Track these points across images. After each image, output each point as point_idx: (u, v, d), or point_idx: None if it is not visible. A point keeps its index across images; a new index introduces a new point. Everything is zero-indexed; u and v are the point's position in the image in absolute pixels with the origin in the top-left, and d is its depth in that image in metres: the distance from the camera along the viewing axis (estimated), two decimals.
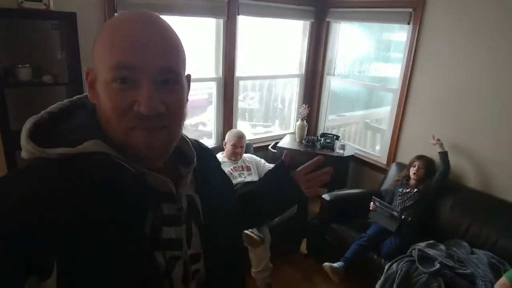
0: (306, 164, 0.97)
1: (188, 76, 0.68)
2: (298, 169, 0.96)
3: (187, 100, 0.67)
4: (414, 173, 2.66)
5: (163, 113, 0.60)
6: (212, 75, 3.17)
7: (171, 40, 0.61)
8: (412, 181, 2.70)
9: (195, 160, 0.74)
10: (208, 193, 0.77)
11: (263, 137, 3.74)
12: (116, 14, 2.43)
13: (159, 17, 0.62)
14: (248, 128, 4.01)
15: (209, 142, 3.40)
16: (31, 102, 2.16)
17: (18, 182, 0.55)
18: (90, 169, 0.57)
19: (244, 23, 3.17)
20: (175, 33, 0.63)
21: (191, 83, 0.72)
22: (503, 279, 1.94)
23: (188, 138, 0.78)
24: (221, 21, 3.01)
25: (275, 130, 4.01)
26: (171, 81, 0.61)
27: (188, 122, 4.21)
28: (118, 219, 0.58)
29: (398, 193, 2.71)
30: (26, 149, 0.59)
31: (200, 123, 3.97)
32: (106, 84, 0.59)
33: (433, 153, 2.82)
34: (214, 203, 0.77)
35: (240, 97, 4.03)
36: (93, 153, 0.59)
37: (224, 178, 0.91)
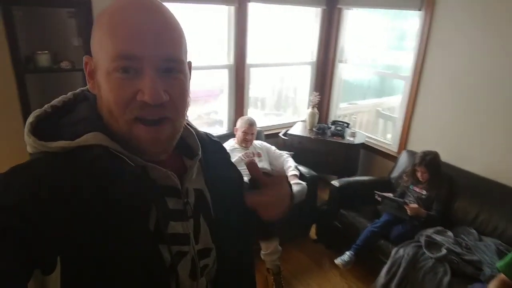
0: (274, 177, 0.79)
1: (189, 63, 0.66)
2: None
3: (189, 88, 0.66)
4: (421, 177, 2.61)
5: (166, 101, 0.59)
6: (224, 62, 3.21)
7: (173, 28, 0.60)
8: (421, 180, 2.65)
9: (200, 152, 0.72)
10: (219, 187, 0.75)
11: (274, 124, 3.77)
12: None
13: (161, 3, 0.60)
14: (261, 117, 4.04)
15: (221, 130, 3.45)
16: (51, 87, 2.25)
17: (19, 177, 0.54)
18: (89, 162, 0.57)
19: (255, 10, 3.18)
20: (177, 20, 0.62)
21: (193, 70, 0.70)
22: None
23: (194, 130, 0.76)
24: (232, 8, 3.03)
25: (287, 119, 4.03)
26: (174, 69, 0.60)
27: (201, 111, 4.28)
28: (120, 213, 0.56)
29: (410, 190, 2.70)
30: (28, 143, 0.59)
31: (213, 111, 4.03)
32: (107, 74, 0.57)
33: (443, 141, 2.82)
34: (224, 197, 0.74)
35: (253, 86, 4.08)
36: (93, 146, 0.58)
37: (234, 171, 0.87)
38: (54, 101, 0.66)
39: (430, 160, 2.54)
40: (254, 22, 3.20)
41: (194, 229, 0.69)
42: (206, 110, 4.29)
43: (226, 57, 3.20)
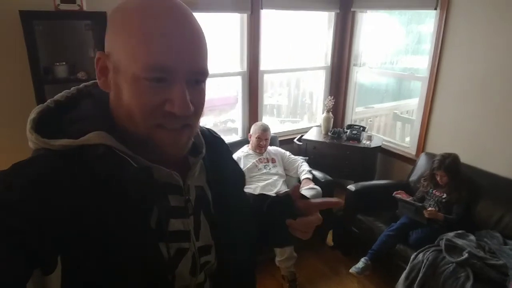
0: (321, 201, 0.89)
1: None
2: (311, 202, 0.84)
3: None
4: (440, 180, 2.53)
5: (192, 112, 0.59)
6: (237, 69, 3.24)
7: (203, 39, 0.61)
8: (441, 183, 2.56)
9: (204, 150, 0.73)
10: (220, 184, 0.75)
11: (289, 130, 3.75)
12: None
13: (189, 11, 0.60)
14: (277, 124, 4.04)
15: (235, 137, 3.47)
16: None
17: (21, 175, 0.53)
18: (92, 161, 0.56)
19: (268, 16, 3.21)
20: (202, 29, 0.62)
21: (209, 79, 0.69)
22: None
23: (199, 127, 0.76)
24: (245, 15, 3.07)
25: (304, 125, 4.00)
26: (201, 81, 0.61)
27: (218, 119, 4.32)
28: (121, 213, 0.56)
29: (429, 194, 2.62)
30: (30, 139, 0.59)
31: (229, 120, 4.06)
32: (135, 79, 0.56)
33: (463, 142, 2.74)
34: (226, 194, 0.75)
35: (269, 94, 4.09)
36: (96, 145, 0.57)
37: (236, 168, 0.88)
38: (57, 96, 0.65)
39: (450, 163, 2.46)
40: (267, 28, 3.22)
41: (194, 226, 0.69)
42: (223, 118, 4.33)
43: (239, 64, 3.23)
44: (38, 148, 0.58)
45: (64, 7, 2.09)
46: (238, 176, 0.88)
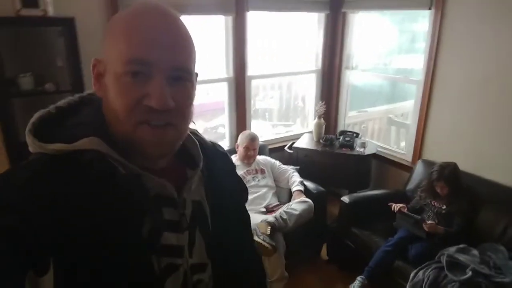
0: None
1: (196, 74, 0.66)
2: None
3: (195, 98, 0.66)
4: (441, 191, 2.38)
5: (172, 108, 0.58)
6: (223, 75, 3.06)
7: (186, 38, 0.60)
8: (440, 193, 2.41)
9: (201, 164, 0.71)
10: (219, 199, 0.72)
11: (278, 137, 3.59)
12: None
13: (175, 12, 0.60)
14: (269, 128, 3.89)
15: (224, 144, 3.30)
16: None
17: (17, 177, 0.55)
18: (83, 167, 0.56)
19: (255, 18, 3.04)
20: (188, 31, 0.62)
21: (197, 83, 0.69)
22: None
23: (200, 139, 0.75)
24: (229, 18, 2.90)
25: (296, 129, 3.86)
26: (183, 78, 0.60)
27: (208, 124, 4.16)
28: (112, 220, 0.56)
29: (428, 204, 2.46)
30: (28, 143, 0.59)
31: (221, 125, 3.89)
32: (116, 77, 0.57)
33: (462, 148, 2.60)
34: (225, 210, 0.73)
35: (260, 97, 3.94)
36: (88, 151, 0.57)
37: (238, 184, 0.86)
38: (60, 102, 0.66)
39: (449, 173, 2.31)
40: (254, 32, 3.06)
41: (189, 242, 0.67)
42: (213, 124, 4.17)
43: (225, 69, 3.06)
44: (35, 151, 0.59)
45: (26, 12, 1.89)
46: (240, 192, 0.86)
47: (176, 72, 0.59)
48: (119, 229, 0.57)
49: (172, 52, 0.58)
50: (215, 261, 0.70)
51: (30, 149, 0.60)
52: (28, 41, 2.11)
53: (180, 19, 0.61)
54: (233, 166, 0.87)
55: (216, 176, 0.74)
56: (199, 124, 4.16)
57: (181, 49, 0.59)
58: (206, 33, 3.06)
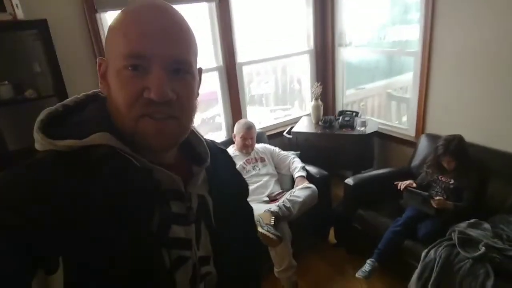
0: None
1: (200, 69, 0.67)
2: None
3: (198, 93, 0.67)
4: (447, 166, 2.28)
5: (173, 100, 0.59)
6: (213, 64, 2.96)
7: (183, 30, 0.61)
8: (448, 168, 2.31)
9: (209, 160, 0.72)
10: (221, 196, 0.74)
11: (276, 123, 3.49)
12: (97, 15, 2.27)
13: (173, 7, 0.61)
14: (267, 114, 3.80)
15: (221, 135, 3.21)
16: (28, 118, 2.05)
17: (24, 175, 0.54)
18: (95, 162, 0.57)
19: (239, 3, 2.91)
20: (187, 23, 0.63)
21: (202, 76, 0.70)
22: None
23: (204, 138, 0.76)
24: (213, 4, 2.77)
25: (295, 113, 3.76)
26: (182, 70, 0.60)
27: (205, 115, 4.07)
28: (123, 213, 0.56)
29: (436, 180, 2.37)
30: (37, 140, 0.59)
31: (217, 115, 3.80)
32: (117, 71, 0.58)
33: (466, 119, 2.50)
34: (226, 206, 0.75)
35: (255, 83, 3.83)
36: (100, 146, 0.58)
37: (239, 180, 0.89)
38: (66, 101, 0.66)
39: (455, 147, 2.22)
40: (240, 17, 2.93)
41: (195, 235, 0.69)
42: (210, 114, 4.07)
43: (214, 58, 2.95)
44: (44, 149, 0.59)
45: None
46: (241, 189, 0.88)
47: (175, 65, 0.59)
48: (130, 223, 0.57)
49: (170, 45, 0.58)
50: (217, 254, 0.72)
51: (38, 146, 0.60)
52: (2, 48, 2.01)
53: (178, 11, 0.62)
54: (233, 163, 0.90)
55: (218, 173, 0.76)
56: (196, 116, 4.07)
57: (179, 41, 0.60)
58: (192, 23, 2.93)
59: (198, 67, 0.66)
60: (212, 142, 0.83)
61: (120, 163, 0.58)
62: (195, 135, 0.74)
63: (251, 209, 0.91)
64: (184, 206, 0.67)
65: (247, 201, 0.90)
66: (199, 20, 2.86)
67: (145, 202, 0.60)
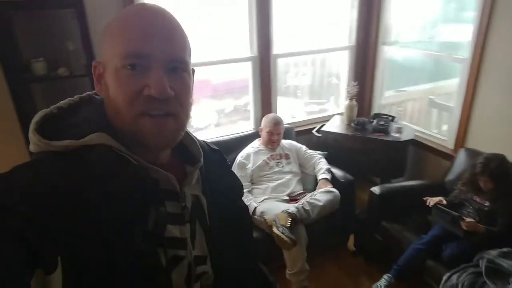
0: None
1: (193, 70, 0.69)
2: None
3: (192, 91, 0.68)
4: (484, 186, 2.10)
5: (171, 97, 0.61)
6: (247, 54, 2.88)
7: (179, 31, 0.63)
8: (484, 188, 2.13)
9: (202, 160, 0.74)
10: (215, 195, 0.76)
11: (306, 119, 3.39)
12: None
13: (167, 10, 0.64)
14: (301, 107, 3.70)
15: (248, 127, 3.16)
16: (60, 95, 2.10)
17: (22, 176, 0.55)
18: (93, 162, 0.58)
19: None
20: (181, 26, 0.65)
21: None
22: None
23: (196, 139, 0.78)
24: None
25: (330, 108, 3.64)
26: (179, 69, 0.63)
27: (237, 102, 4.04)
28: (120, 213, 0.57)
29: (469, 200, 2.20)
30: (33, 141, 0.60)
31: (249, 103, 3.76)
32: (116, 71, 0.60)
33: (510, 138, 2.28)
34: (221, 206, 0.76)
35: (291, 74, 3.73)
36: (97, 146, 0.59)
37: (233, 181, 0.89)
38: (60, 103, 0.67)
39: (496, 167, 2.03)
40: (279, 7, 2.82)
41: (190, 234, 0.70)
42: (243, 101, 4.04)
43: (249, 48, 2.87)
44: (39, 151, 0.60)
45: None
46: (235, 189, 0.89)
47: (173, 63, 0.61)
48: (126, 222, 0.58)
49: (168, 44, 0.60)
50: (212, 254, 0.73)
51: (32, 148, 0.61)
52: (41, 25, 2.05)
53: (173, 15, 0.64)
54: (227, 163, 0.90)
55: (212, 173, 0.77)
56: (228, 102, 4.04)
57: (176, 41, 0.62)
58: (229, 11, 2.86)
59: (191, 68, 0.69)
60: (205, 142, 0.84)
61: (116, 162, 0.59)
62: (188, 135, 0.75)
63: (245, 207, 0.91)
64: (179, 206, 0.68)
65: (241, 200, 0.91)
66: (236, 7, 2.80)
67: (142, 202, 0.61)
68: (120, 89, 0.60)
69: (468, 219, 2.05)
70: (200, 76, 3.84)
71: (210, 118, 3.80)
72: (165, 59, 0.60)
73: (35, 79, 1.98)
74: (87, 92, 0.72)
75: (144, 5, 0.63)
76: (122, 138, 0.62)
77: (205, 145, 0.82)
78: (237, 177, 0.93)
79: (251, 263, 0.89)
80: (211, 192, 0.76)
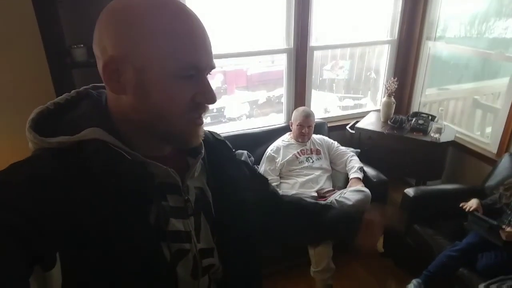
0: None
1: None
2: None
3: None
4: None
5: None
6: (283, 46, 2.84)
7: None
8: None
9: (203, 151, 0.73)
10: (221, 187, 0.75)
11: (340, 115, 3.30)
12: None
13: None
14: (336, 101, 3.61)
15: (279, 120, 3.13)
16: (98, 82, 2.17)
17: (19, 173, 0.55)
18: (88, 157, 0.57)
19: None
20: None
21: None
22: None
23: None
24: None
25: (367, 103, 3.53)
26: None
27: (271, 93, 4.01)
28: (119, 209, 0.57)
29: (510, 206, 2.06)
30: (29, 139, 0.60)
31: (282, 95, 3.73)
32: (171, 78, 0.59)
33: None
34: (227, 197, 0.75)
35: (328, 67, 3.65)
36: (92, 141, 0.58)
37: (239, 171, 0.87)
38: (57, 99, 0.67)
39: None
40: None
41: (195, 227, 0.69)
42: (277, 93, 4.01)
43: (285, 39, 2.82)
44: (36, 148, 0.60)
45: None
46: (242, 179, 0.86)
47: (210, 70, 0.65)
48: (127, 218, 0.58)
49: (211, 56, 0.63)
50: (219, 246, 0.73)
51: (31, 145, 0.61)
52: (79, 11, 2.10)
53: None
54: (232, 153, 0.90)
55: (217, 164, 0.77)
56: (261, 94, 4.02)
57: (211, 48, 0.64)
58: (268, 1, 2.82)
59: None
60: (210, 133, 0.84)
61: (113, 157, 0.59)
62: None
63: (250, 200, 0.81)
64: (181, 199, 0.68)
65: (249, 191, 0.83)
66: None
67: (140, 197, 0.61)
68: (174, 98, 0.60)
69: (508, 229, 1.92)
70: (235, 67, 3.87)
71: (243, 109, 3.80)
72: (210, 68, 0.64)
73: (75, 65, 2.04)
74: (84, 87, 0.71)
75: (184, 7, 0.60)
76: (124, 133, 0.62)
77: (209, 135, 0.82)
78: (244, 167, 0.91)
79: (261, 254, 0.88)
80: (216, 182, 0.75)
